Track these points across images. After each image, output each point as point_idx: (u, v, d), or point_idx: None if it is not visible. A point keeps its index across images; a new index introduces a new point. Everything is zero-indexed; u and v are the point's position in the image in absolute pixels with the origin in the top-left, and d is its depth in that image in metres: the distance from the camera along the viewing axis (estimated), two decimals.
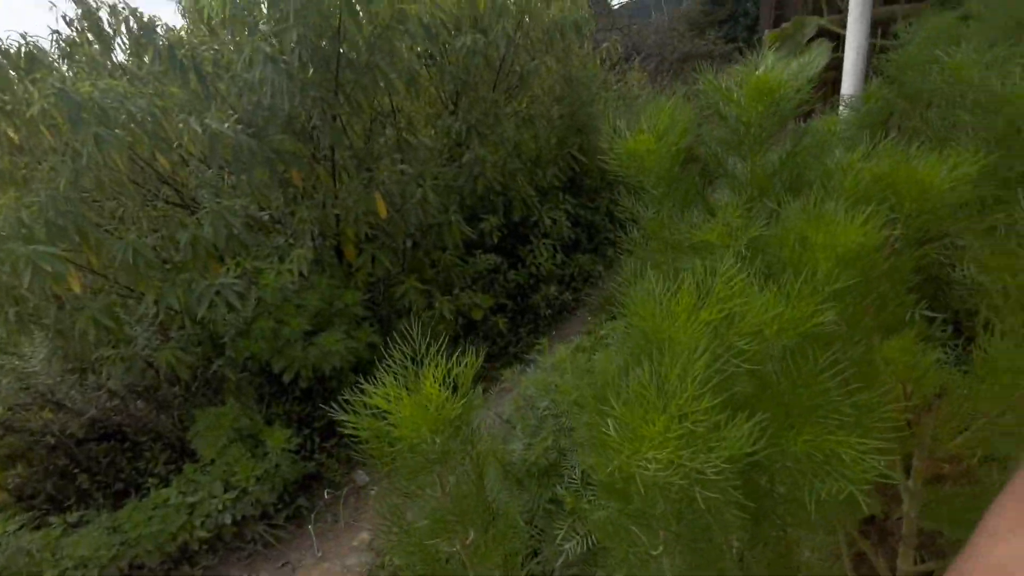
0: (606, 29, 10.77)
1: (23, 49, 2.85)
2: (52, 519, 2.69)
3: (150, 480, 2.95)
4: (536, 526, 1.98)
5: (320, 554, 2.91)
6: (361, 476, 3.55)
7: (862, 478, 0.50)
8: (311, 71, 3.06)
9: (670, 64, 10.72)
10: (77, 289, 3.02)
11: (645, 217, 1.05)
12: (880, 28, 2.03)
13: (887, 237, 0.74)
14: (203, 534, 2.67)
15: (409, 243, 4.52)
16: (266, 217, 4.04)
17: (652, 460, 0.42)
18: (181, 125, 3.11)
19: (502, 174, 4.76)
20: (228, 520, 2.71)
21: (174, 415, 3.22)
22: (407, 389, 0.62)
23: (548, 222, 5.19)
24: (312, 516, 3.18)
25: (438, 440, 0.59)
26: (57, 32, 4.27)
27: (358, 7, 3.17)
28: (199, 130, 2.67)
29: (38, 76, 2.77)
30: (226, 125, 2.93)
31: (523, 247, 5.26)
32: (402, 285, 4.23)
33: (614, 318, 3.67)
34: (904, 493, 0.81)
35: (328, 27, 3.00)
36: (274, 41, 2.78)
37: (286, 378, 3.54)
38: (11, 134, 3.09)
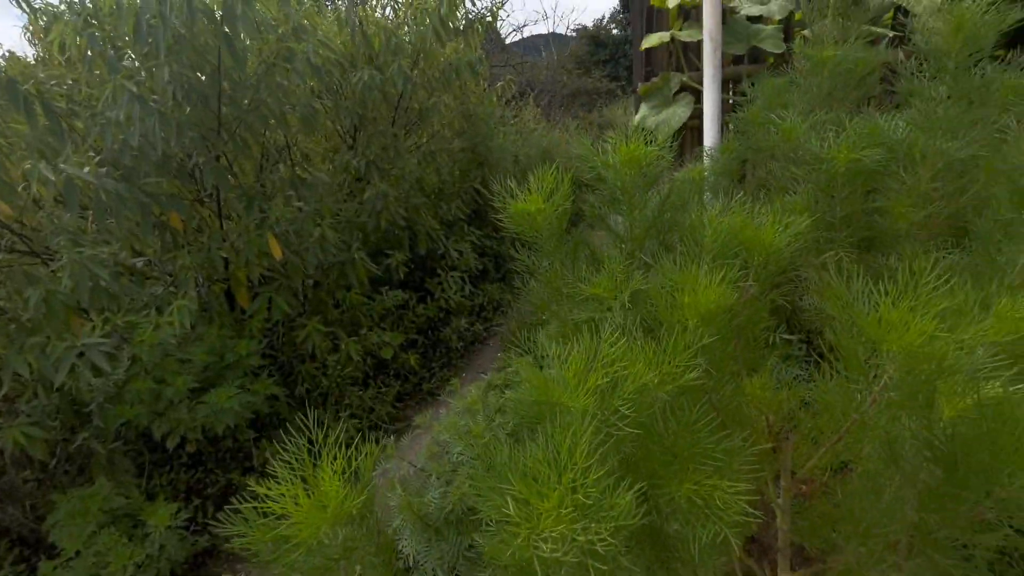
0: (501, 65, 11.24)
1: None
2: None
3: None
4: (458, 574, 1.94)
5: None
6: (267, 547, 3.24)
7: (733, 520, 0.56)
8: (188, 109, 2.85)
9: (561, 99, 11.43)
10: None
11: (540, 269, 1.10)
12: (731, 85, 2.35)
13: (743, 288, 0.85)
14: None
15: (310, 283, 4.31)
16: (141, 264, 3.64)
17: (547, 538, 0.45)
18: (28, 166, 2.73)
19: (405, 208, 4.73)
20: None
21: (24, 505, 2.73)
22: (304, 481, 0.59)
23: (455, 254, 5.23)
24: None
25: (340, 535, 0.57)
26: None
27: (245, 40, 3.03)
28: (51, 176, 2.36)
29: None
30: (86, 169, 2.63)
31: (431, 280, 5.23)
32: (303, 329, 4.00)
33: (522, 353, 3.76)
34: (777, 510, 0.92)
35: (206, 63, 2.83)
36: (143, 76, 2.56)
37: (170, 444, 3.16)
38: None
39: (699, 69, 2.35)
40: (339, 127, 4.51)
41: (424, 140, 5.02)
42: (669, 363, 0.66)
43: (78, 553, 2.51)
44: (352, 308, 4.41)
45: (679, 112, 2.30)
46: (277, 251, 3.51)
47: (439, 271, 5.24)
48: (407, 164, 4.48)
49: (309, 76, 3.08)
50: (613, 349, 0.64)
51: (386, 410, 4.17)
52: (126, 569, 2.45)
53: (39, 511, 2.81)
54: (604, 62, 14.43)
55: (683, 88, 2.47)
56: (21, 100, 2.71)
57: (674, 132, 2.32)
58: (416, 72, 4.12)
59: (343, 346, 4.08)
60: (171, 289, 3.53)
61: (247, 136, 3.34)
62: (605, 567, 0.45)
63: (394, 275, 4.77)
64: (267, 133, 3.46)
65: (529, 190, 1.06)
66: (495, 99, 6.21)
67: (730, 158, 1.63)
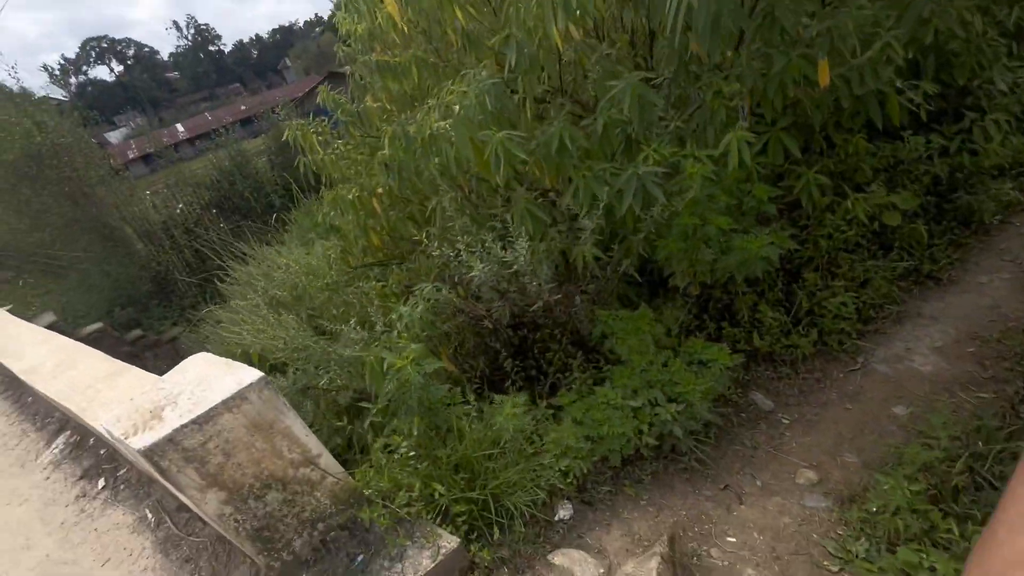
0: None
1: None
2: (495, 398, 2.85)
3: (574, 375, 2.93)
4: None
5: (760, 484, 2.60)
6: (762, 400, 3.12)
7: None
8: None
9: None
10: None
11: None
12: None
13: None
14: (651, 441, 2.54)
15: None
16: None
17: None
18: None
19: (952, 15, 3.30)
20: (679, 432, 2.52)
21: (582, 313, 3.13)
22: None
23: (1002, 87, 3.61)
24: (728, 438, 2.89)
25: None
26: None
27: None
28: None
29: None
30: None
31: (947, 124, 3.82)
32: (800, 178, 3.38)
33: None
34: None
35: None
36: None
37: (678, 283, 3.15)
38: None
39: None
40: None
41: None
42: None
43: (643, 369, 2.75)
44: (853, 156, 3.54)
45: None
46: (825, 77, 2.80)
47: (963, 112, 3.76)
48: None
49: None
50: None
51: (885, 288, 3.40)
52: (694, 393, 2.56)
53: (585, 321, 3.22)
54: None
55: None
56: None
57: None
58: None
59: (850, 203, 3.34)
60: (686, 120, 3.26)
61: None
62: None
63: (905, 115, 3.58)
64: None
65: None
66: None
67: None
